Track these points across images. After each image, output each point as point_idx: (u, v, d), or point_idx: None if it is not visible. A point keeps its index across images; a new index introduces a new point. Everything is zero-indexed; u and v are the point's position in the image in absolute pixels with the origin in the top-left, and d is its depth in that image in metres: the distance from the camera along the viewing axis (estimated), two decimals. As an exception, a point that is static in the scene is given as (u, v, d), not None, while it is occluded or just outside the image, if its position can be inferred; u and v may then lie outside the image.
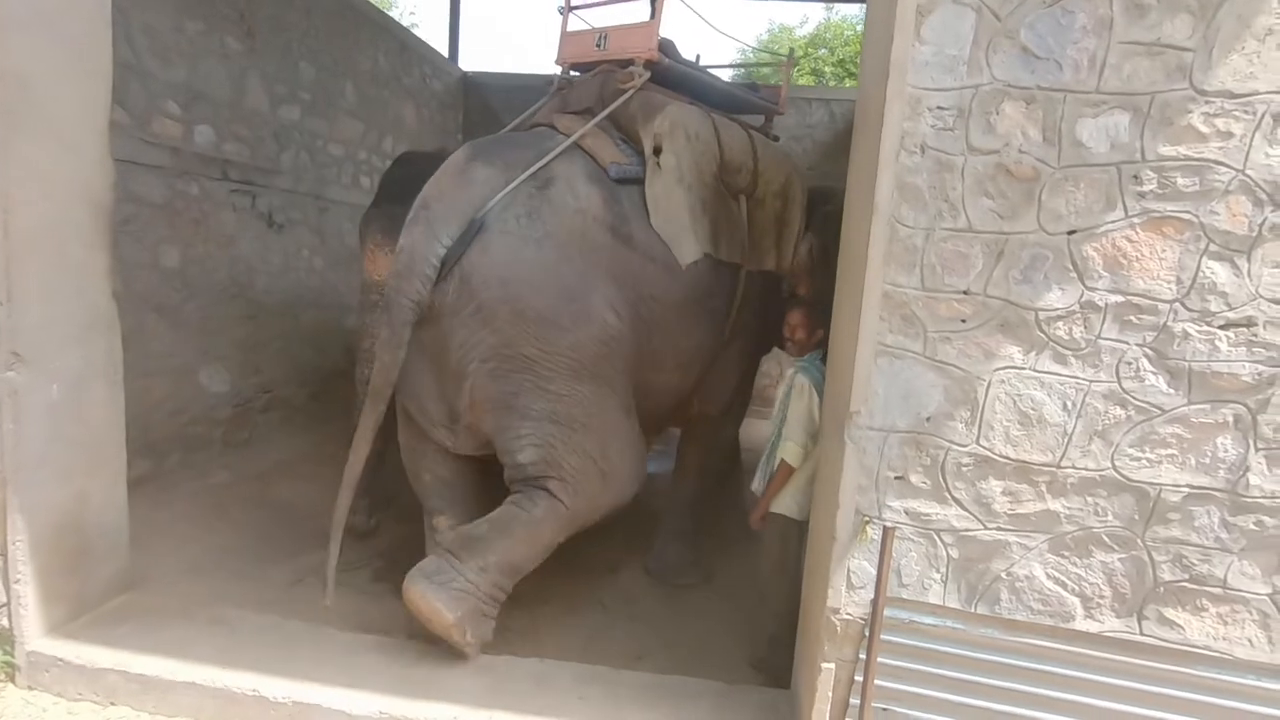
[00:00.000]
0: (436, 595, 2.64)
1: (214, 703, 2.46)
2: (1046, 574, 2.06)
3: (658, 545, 3.97)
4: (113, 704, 2.53)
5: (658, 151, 3.09)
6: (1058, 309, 1.96)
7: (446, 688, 2.54)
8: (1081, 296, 1.95)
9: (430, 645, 2.96)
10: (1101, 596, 2.04)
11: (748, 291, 3.48)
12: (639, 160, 3.13)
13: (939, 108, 1.94)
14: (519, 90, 8.55)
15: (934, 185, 1.96)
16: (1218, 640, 2.00)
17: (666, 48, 3.39)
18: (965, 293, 2.00)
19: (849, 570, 2.13)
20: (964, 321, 2.01)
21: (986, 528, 2.07)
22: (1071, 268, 1.94)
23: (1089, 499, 2.01)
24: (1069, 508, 2.02)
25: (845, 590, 2.14)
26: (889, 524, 2.00)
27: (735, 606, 3.68)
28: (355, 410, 3.71)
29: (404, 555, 4.09)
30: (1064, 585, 2.06)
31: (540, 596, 3.71)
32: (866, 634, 2.13)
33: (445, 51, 8.33)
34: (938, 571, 2.11)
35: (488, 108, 8.57)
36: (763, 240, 3.49)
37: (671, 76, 3.42)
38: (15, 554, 2.51)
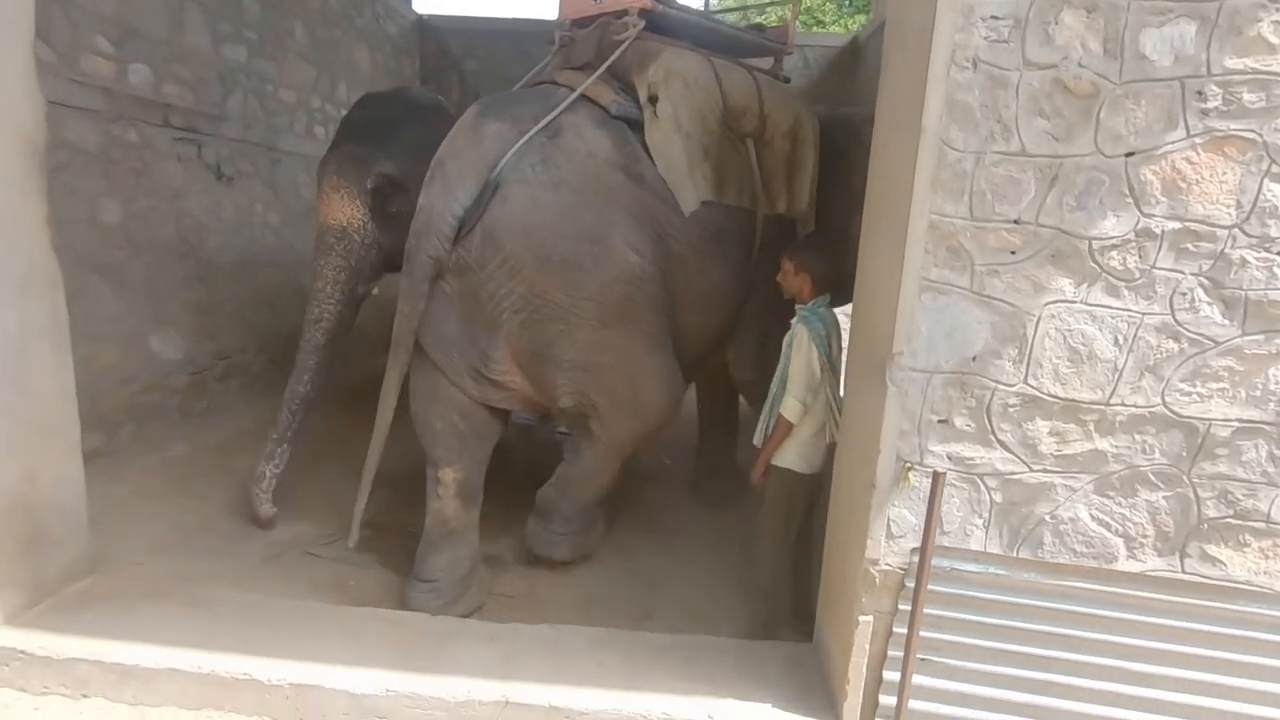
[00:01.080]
0: (550, 553, 3.40)
1: (201, 689, 2.25)
2: (1091, 515, 1.99)
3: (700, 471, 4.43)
4: (85, 696, 2.29)
5: (654, 100, 3.06)
6: (1112, 237, 1.85)
7: (455, 660, 2.39)
8: (1137, 224, 1.84)
9: (432, 615, 2.84)
10: (1144, 536, 1.99)
11: (767, 238, 3.37)
12: (639, 109, 3.11)
13: (993, 17, 1.78)
14: (478, 35, 8.09)
15: (986, 104, 1.81)
16: (1259, 575, 1.97)
17: None
18: (1016, 222, 1.87)
19: (889, 519, 2.03)
20: (1013, 253, 1.88)
21: (1032, 470, 1.98)
22: (1128, 193, 1.82)
23: (1137, 437, 1.94)
24: (1116, 446, 1.95)
25: (885, 540, 2.05)
26: (939, 469, 1.89)
27: (737, 559, 3.61)
28: (305, 349, 3.72)
29: (388, 522, 3.90)
30: (1108, 526, 1.99)
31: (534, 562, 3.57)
32: (908, 584, 2.04)
33: (398, -8, 7.78)
34: (980, 517, 2.02)
35: (445, 52, 8.09)
36: (773, 183, 3.36)
37: (668, 24, 3.34)
38: (-42, 540, 2.23)
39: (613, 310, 2.85)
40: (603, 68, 3.13)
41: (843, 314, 2.76)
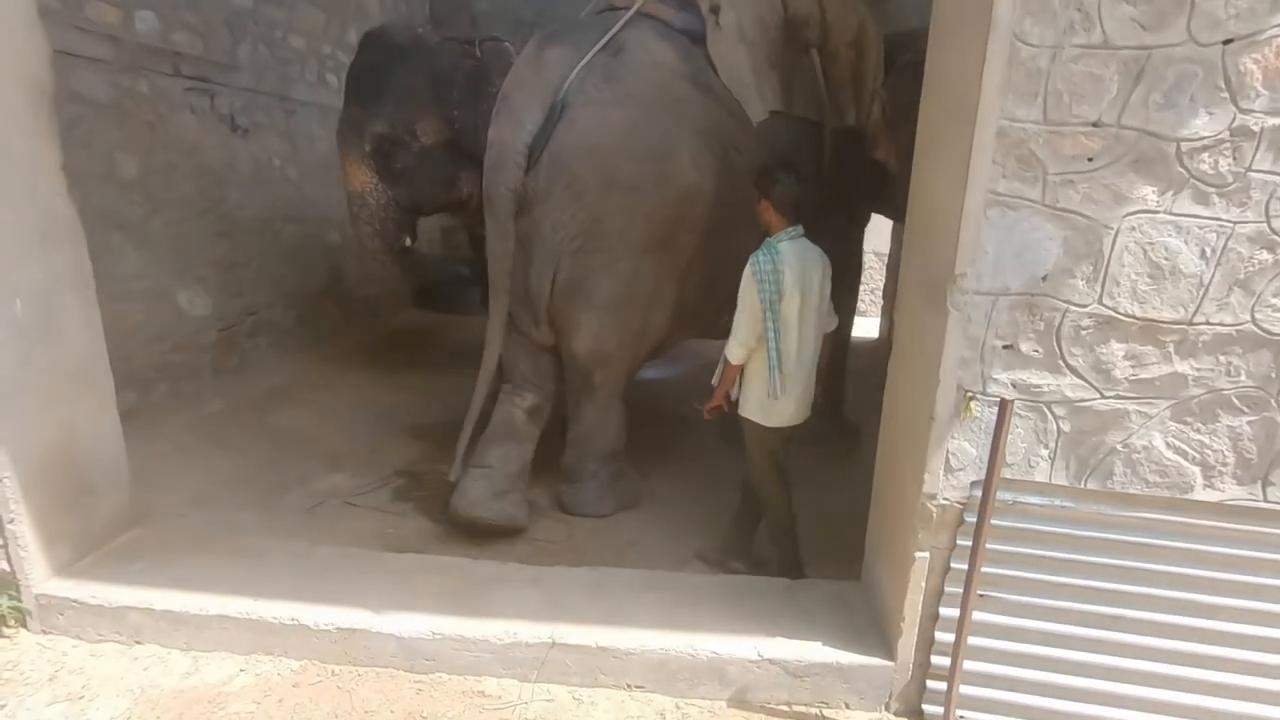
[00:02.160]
0: (591, 510, 3.42)
1: (251, 635, 2.27)
2: (1166, 443, 1.87)
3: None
4: (139, 643, 2.33)
5: (715, 10, 3.03)
6: (1204, 138, 1.67)
7: (500, 603, 2.37)
8: (1233, 121, 1.66)
9: (477, 557, 2.84)
10: (1224, 464, 1.87)
11: (837, 153, 3.26)
12: (702, 23, 3.11)
13: (1075, -112, 1.58)
14: (490, -27, 7.76)
15: (1066, -10, 1.62)
16: (1349, 502, 1.85)
17: None
18: (1095, 124, 1.69)
19: (948, 452, 1.93)
20: (1091, 160, 1.72)
21: (1104, 396, 1.86)
22: (1224, 86, 1.64)
23: (1221, 358, 1.79)
24: (1198, 369, 1.81)
25: (944, 474, 1.95)
26: (1006, 398, 1.77)
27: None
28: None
29: (425, 472, 3.89)
30: (1184, 454, 1.87)
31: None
32: (967, 519, 1.95)
33: (404, -71, 7.44)
34: (1045, 448, 1.91)
35: (456, -5, 7.78)
36: (840, 94, 3.22)
37: None
38: (3, 493, 2.23)
39: (657, 233, 2.87)
40: None
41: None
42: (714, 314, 3.31)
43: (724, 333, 2.65)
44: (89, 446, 2.52)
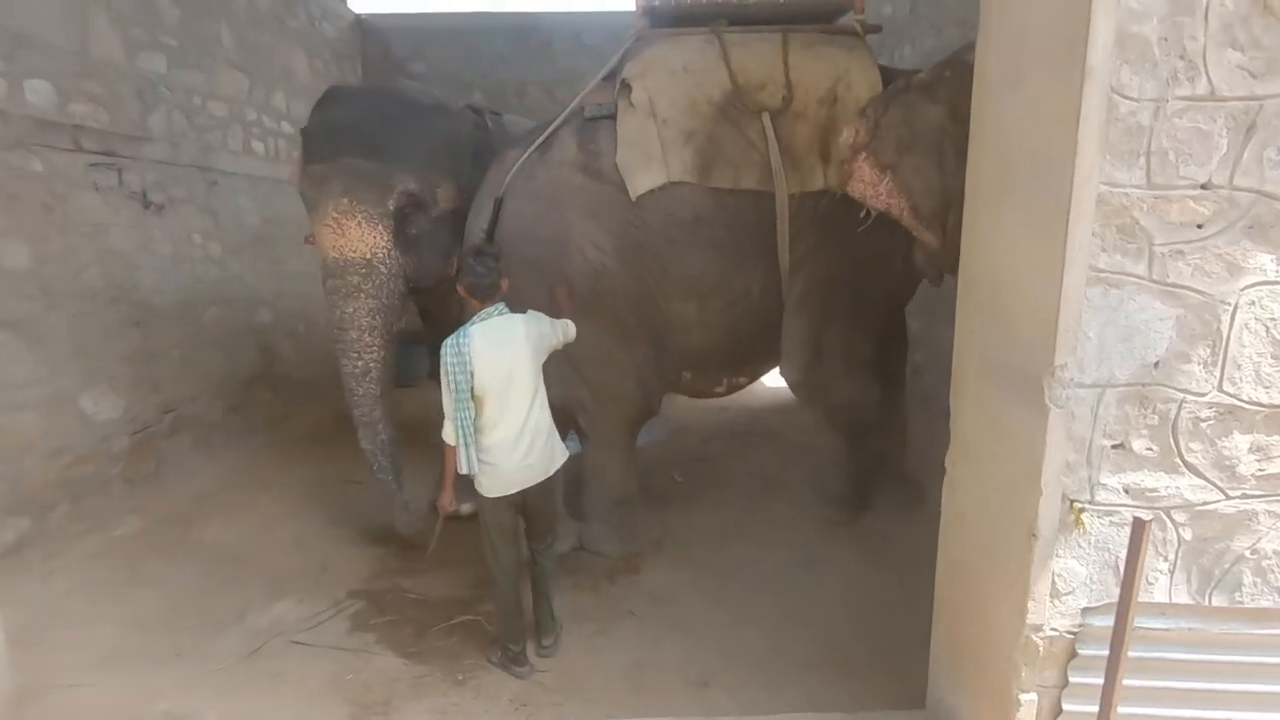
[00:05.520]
0: (599, 548, 3.50)
1: None
2: (1300, 546, 1.60)
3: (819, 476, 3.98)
4: None
5: (628, 91, 3.12)
6: (1326, 198, 1.45)
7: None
8: (1358, 178, 1.44)
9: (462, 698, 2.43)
10: (1364, 565, 1.61)
11: (808, 221, 3.09)
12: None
13: (1171, -78, 1.36)
14: (423, 33, 7.47)
15: (1167, 36, 1.39)
16: None
17: None
18: (1204, 186, 1.46)
19: (1054, 574, 1.61)
20: (1201, 227, 1.47)
21: (1229, 497, 1.58)
22: (1345, 139, 1.43)
23: (1358, 444, 1.55)
24: (1332, 458, 1.56)
25: (1049, 600, 1.62)
26: (1118, 503, 1.47)
27: (784, 598, 3.17)
28: (365, 404, 3.37)
29: (383, 590, 3.34)
30: (1320, 557, 1.61)
31: (563, 615, 3.06)
32: (1081, 651, 1.62)
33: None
34: (1165, 560, 1.62)
35: (389, 55, 7.48)
36: (806, 157, 3.01)
37: (673, 14, 3.33)
38: None
39: (584, 301, 3.05)
40: (600, 74, 3.28)
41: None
42: (731, 364, 3.45)
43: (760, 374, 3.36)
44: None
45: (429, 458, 3.67)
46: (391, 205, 3.09)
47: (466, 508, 3.92)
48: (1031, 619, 1.63)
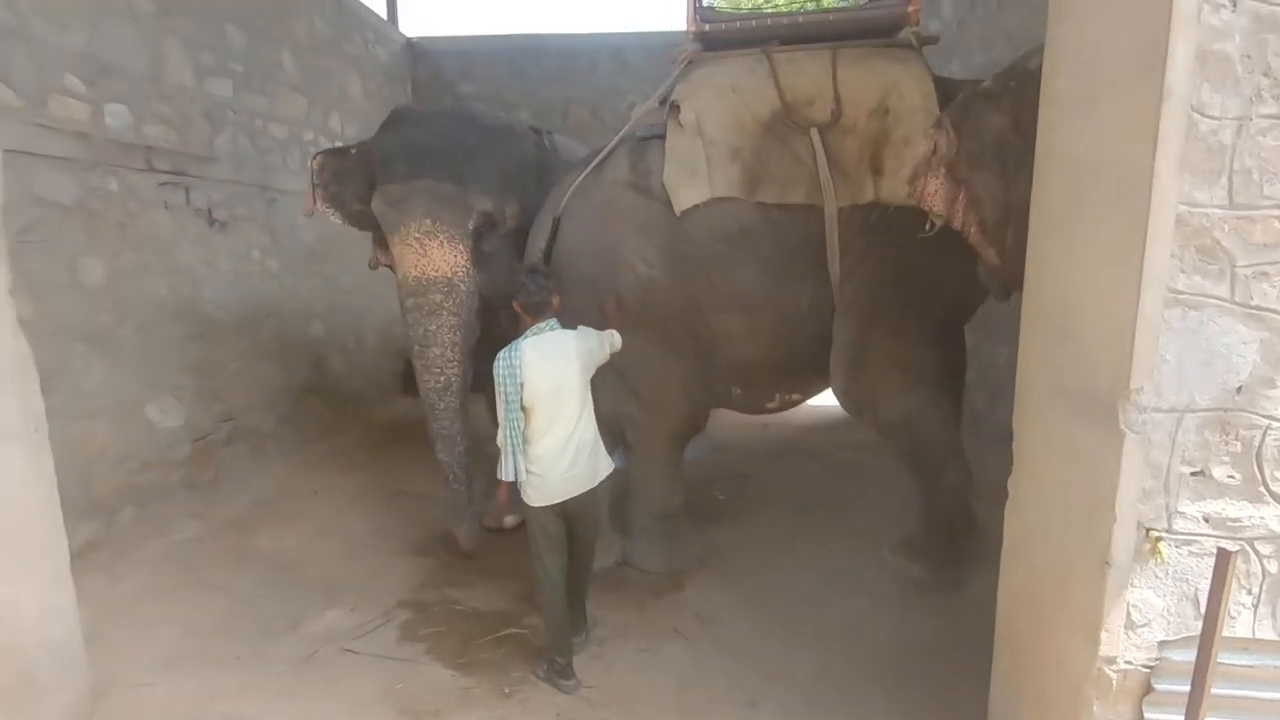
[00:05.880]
0: (643, 563, 3.53)
1: None
2: (1395, 581, 1.52)
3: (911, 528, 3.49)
4: None
5: (676, 110, 3.20)
6: None
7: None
8: None
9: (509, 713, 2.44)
10: None
11: (856, 233, 3.05)
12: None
13: (1254, -63, 1.33)
14: (471, 55, 7.67)
15: (1249, 53, 1.36)
16: None
17: (705, 13, 3.39)
18: (1290, 206, 1.41)
19: (1129, 605, 1.56)
20: (1286, 248, 1.43)
21: (1318, 528, 1.51)
22: None
23: None
24: None
25: (1124, 631, 1.57)
26: (1198, 532, 1.42)
27: (832, 620, 3.11)
28: (445, 417, 3.42)
29: (432, 600, 3.39)
30: None
31: (608, 631, 3.08)
32: (1157, 686, 1.56)
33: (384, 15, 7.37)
34: (1248, 593, 1.55)
35: (439, 77, 7.68)
36: (855, 170, 2.98)
37: (724, 38, 3.38)
38: (-83, 711, 1.74)
39: (632, 317, 3.11)
40: (655, 96, 3.37)
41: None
42: (782, 378, 3.43)
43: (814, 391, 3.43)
44: (34, 630, 2.03)
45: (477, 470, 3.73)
46: (471, 225, 3.18)
47: (511, 520, 3.99)
48: (1105, 651, 1.58)
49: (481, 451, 3.72)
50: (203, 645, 3.02)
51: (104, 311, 3.73)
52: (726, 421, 3.96)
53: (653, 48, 7.43)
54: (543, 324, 2.65)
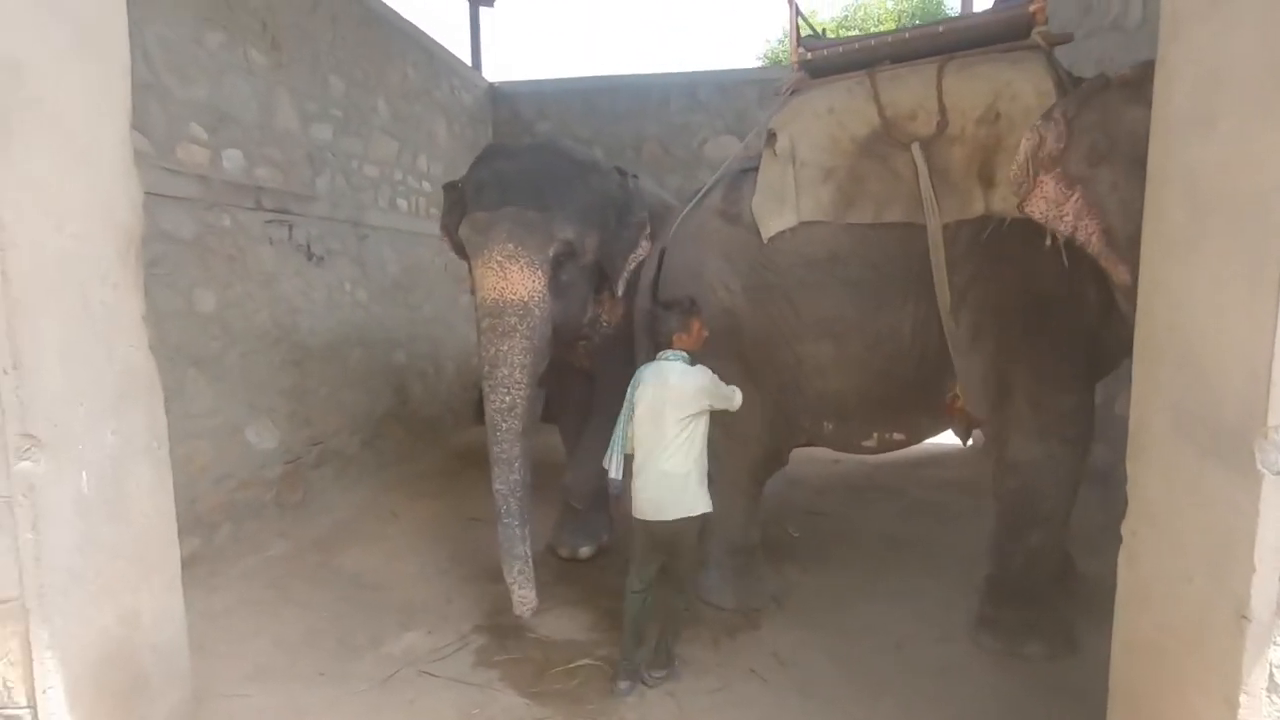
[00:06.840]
0: (715, 600, 3.46)
1: None
2: None
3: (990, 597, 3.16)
4: None
5: (772, 139, 3.23)
6: None
7: None
8: None
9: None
10: None
11: (965, 250, 2.81)
12: None
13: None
14: (547, 96, 7.98)
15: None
16: None
17: (808, 42, 3.43)
18: None
19: (1271, 665, 1.42)
20: None
21: None
22: None
23: None
24: None
25: (1266, 695, 1.43)
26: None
27: (917, 668, 2.96)
28: (506, 439, 3.29)
29: (507, 625, 3.41)
30: None
31: (681, 667, 3.00)
32: (1309, 760, 1.41)
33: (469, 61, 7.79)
34: None
35: (518, 119, 8.01)
36: (963, 182, 2.79)
37: (826, 64, 3.37)
38: (48, 707, 1.86)
39: (716, 343, 3.08)
40: (758, 128, 3.48)
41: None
42: (881, 415, 3.26)
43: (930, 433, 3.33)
44: (149, 636, 2.16)
45: (549, 500, 3.77)
46: (552, 252, 3.19)
47: (585, 551, 3.97)
48: (1244, 715, 1.43)
49: (550, 483, 3.73)
50: (290, 659, 3.14)
51: (214, 338, 4.01)
52: (797, 456, 3.82)
53: (725, 84, 7.57)
54: (669, 353, 2.86)
